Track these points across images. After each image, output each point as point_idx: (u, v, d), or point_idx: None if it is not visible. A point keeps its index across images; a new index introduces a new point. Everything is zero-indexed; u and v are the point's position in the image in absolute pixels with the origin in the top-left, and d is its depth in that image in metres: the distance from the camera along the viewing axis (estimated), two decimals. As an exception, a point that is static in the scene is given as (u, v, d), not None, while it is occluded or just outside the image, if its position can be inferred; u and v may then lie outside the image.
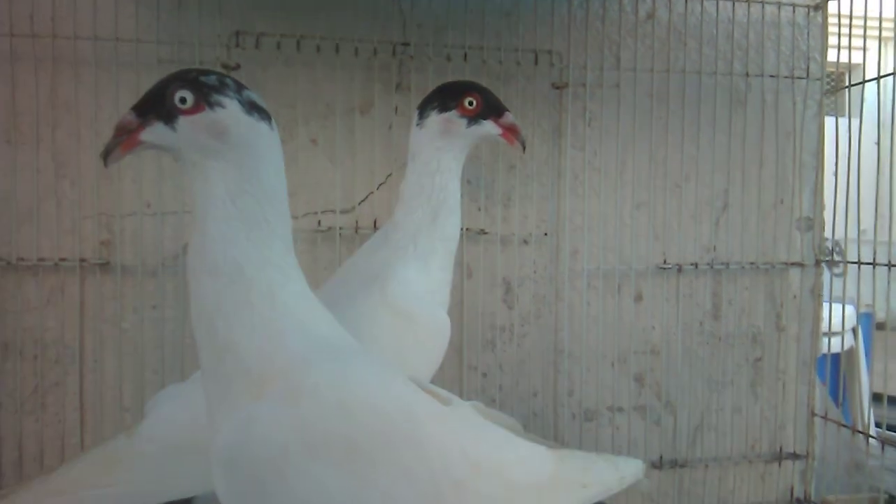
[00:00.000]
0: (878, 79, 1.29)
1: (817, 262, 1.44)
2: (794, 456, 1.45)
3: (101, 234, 1.20)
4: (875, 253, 1.28)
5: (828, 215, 1.44)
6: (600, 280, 1.37)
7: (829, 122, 1.45)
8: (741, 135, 1.40)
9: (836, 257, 1.43)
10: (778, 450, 1.45)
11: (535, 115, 1.32)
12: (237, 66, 1.19)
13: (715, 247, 1.41)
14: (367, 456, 0.68)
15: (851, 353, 2.23)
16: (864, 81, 1.31)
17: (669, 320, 1.40)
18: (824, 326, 1.48)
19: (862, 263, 1.29)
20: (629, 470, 0.83)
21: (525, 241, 1.34)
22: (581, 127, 1.34)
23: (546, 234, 1.35)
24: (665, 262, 1.38)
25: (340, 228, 1.25)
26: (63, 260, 1.17)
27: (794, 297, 1.45)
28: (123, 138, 0.67)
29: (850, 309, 2.13)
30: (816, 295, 1.45)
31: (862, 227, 1.29)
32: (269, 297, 0.69)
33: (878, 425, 1.97)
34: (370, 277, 0.93)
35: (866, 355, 2.30)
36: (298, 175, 1.25)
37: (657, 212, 1.38)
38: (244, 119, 0.68)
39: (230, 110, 0.68)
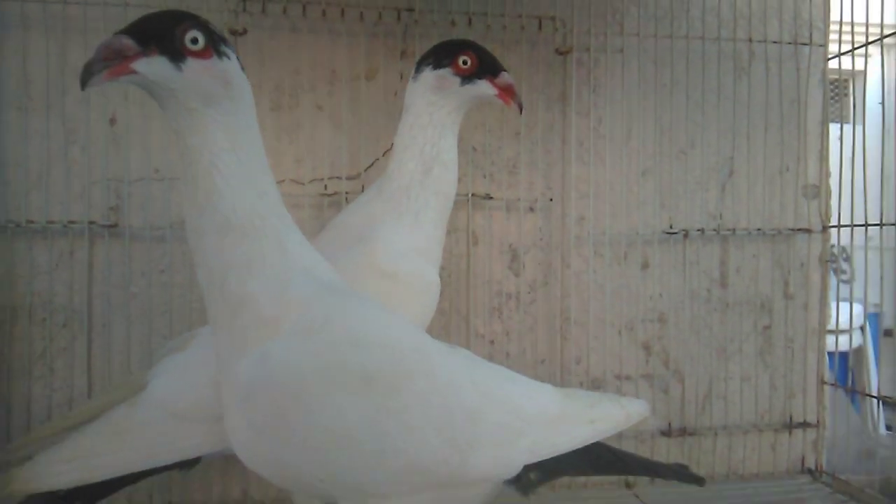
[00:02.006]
0: (881, 39, 1.29)
1: (824, 229, 1.43)
2: (805, 425, 1.44)
3: (109, 200, 1.21)
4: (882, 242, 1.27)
5: (833, 183, 1.44)
6: (606, 247, 1.37)
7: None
8: (745, 101, 1.40)
9: (843, 265, 1.43)
10: (788, 419, 1.43)
11: (540, 82, 1.33)
12: (244, 32, 1.20)
13: (721, 214, 1.41)
14: (382, 385, 0.69)
15: (860, 352, 2.20)
16: (868, 43, 1.31)
17: (677, 288, 1.39)
18: (831, 324, 1.45)
19: (869, 225, 1.29)
20: (634, 408, 0.83)
21: (531, 209, 1.35)
22: (586, 93, 1.35)
23: (552, 201, 1.35)
24: (671, 227, 1.38)
25: (347, 193, 1.26)
26: (72, 223, 1.18)
27: (802, 264, 1.44)
28: (115, 63, 0.63)
29: (857, 307, 2.11)
30: (824, 262, 1.44)
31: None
32: (278, 248, 0.71)
33: (888, 428, 1.94)
34: (357, 237, 0.93)
35: (875, 356, 2.26)
36: (304, 141, 1.27)
37: (663, 178, 1.38)
38: (240, 74, 0.69)
39: (233, 63, 0.68)
